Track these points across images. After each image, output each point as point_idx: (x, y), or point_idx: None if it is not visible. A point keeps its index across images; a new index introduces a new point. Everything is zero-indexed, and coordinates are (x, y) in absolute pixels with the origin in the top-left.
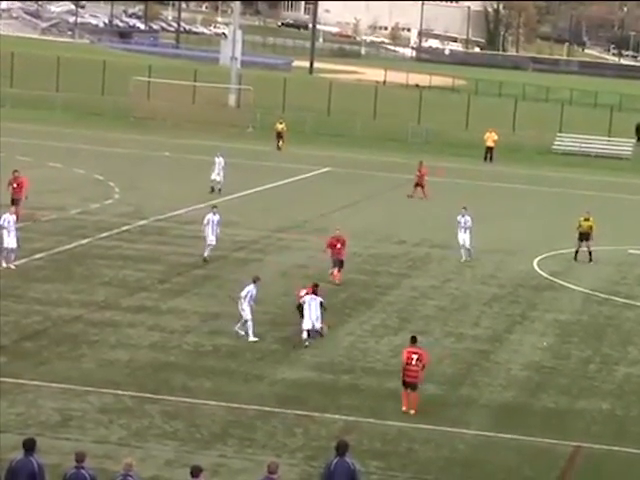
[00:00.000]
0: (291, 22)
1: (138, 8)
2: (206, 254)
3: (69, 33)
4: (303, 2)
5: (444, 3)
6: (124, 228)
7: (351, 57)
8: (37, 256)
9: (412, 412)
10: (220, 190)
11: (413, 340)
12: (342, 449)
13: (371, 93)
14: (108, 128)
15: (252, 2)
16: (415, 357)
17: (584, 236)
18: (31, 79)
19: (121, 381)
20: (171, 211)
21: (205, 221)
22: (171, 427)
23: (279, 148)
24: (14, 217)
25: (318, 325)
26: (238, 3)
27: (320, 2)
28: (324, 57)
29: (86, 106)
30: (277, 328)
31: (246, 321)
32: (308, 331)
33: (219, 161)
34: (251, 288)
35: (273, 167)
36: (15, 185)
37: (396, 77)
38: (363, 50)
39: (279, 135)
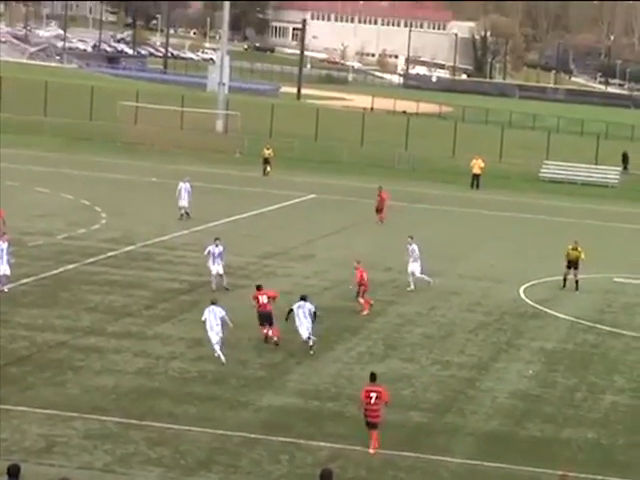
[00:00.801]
0: (258, 45)
1: (126, 33)
2: (224, 283)
3: (57, 58)
4: (291, 28)
5: (431, 30)
6: (111, 254)
7: (338, 83)
8: (23, 281)
9: (371, 451)
10: (188, 214)
11: (372, 378)
12: (327, 477)
13: (358, 119)
14: (96, 153)
15: (240, 28)
16: (374, 395)
17: (572, 264)
18: (19, 104)
19: (106, 407)
20: (158, 237)
21: (205, 252)
22: (156, 453)
23: (265, 174)
24: (7, 244)
25: (305, 334)
26: (226, 29)
27: (308, 28)
28: (312, 83)
29: (74, 131)
30: (262, 354)
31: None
32: (308, 337)
33: (186, 187)
34: (211, 309)
35: (260, 193)
36: None
37: (383, 104)
38: (350, 76)
39: (266, 161)
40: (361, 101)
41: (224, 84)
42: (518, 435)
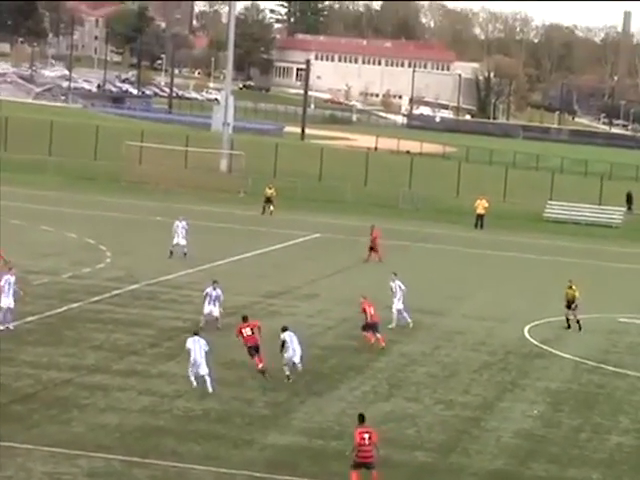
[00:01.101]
0: (252, 84)
1: (131, 73)
2: (219, 324)
3: (62, 98)
4: (295, 68)
5: (435, 70)
6: (115, 292)
7: (342, 123)
8: (28, 319)
9: None
10: (185, 254)
11: (361, 419)
12: None
13: (362, 159)
14: (100, 192)
15: (244, 68)
16: (367, 436)
17: (570, 304)
18: (24, 143)
19: (111, 445)
20: (162, 275)
21: (204, 294)
22: None
23: (264, 212)
24: (14, 278)
25: (298, 360)
26: (230, 69)
27: (312, 68)
28: (316, 123)
29: (78, 170)
30: (267, 393)
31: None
32: (292, 364)
33: (182, 225)
34: (195, 340)
35: (264, 232)
36: None
37: (387, 144)
38: (354, 117)
39: (268, 200)
40: (365, 141)
41: (228, 124)
42: (523, 475)
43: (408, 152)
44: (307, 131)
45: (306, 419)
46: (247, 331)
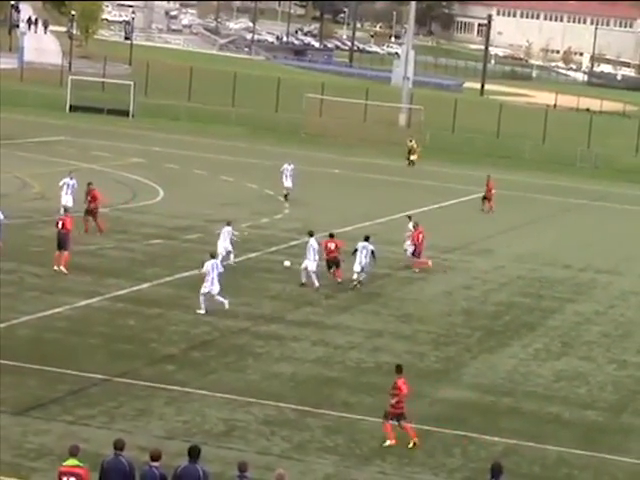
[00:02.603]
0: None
1: (313, 26)
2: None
3: (246, 50)
4: (476, 23)
5: (617, 28)
6: (292, 243)
7: (522, 80)
8: None
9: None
10: (287, 196)
11: (399, 370)
12: (497, 470)
13: (541, 116)
14: (280, 144)
15: (425, 23)
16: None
17: None
18: (208, 94)
19: (284, 394)
20: (339, 228)
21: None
22: (332, 441)
23: (410, 164)
24: (230, 227)
25: (359, 269)
26: (412, 24)
27: (493, 24)
28: (495, 79)
29: (260, 121)
30: (439, 348)
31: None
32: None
33: (290, 168)
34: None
35: (441, 187)
36: (90, 197)
37: (567, 101)
38: (534, 73)
39: (410, 152)
40: (544, 98)
41: (408, 78)
42: None
43: (588, 110)
44: (486, 87)
45: (477, 375)
46: (331, 246)
